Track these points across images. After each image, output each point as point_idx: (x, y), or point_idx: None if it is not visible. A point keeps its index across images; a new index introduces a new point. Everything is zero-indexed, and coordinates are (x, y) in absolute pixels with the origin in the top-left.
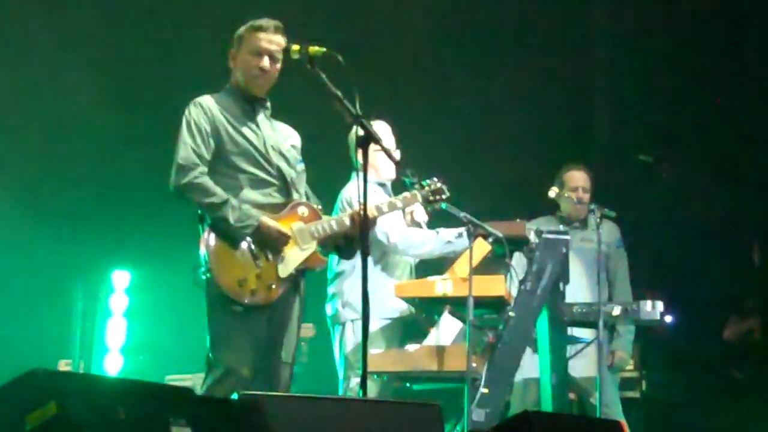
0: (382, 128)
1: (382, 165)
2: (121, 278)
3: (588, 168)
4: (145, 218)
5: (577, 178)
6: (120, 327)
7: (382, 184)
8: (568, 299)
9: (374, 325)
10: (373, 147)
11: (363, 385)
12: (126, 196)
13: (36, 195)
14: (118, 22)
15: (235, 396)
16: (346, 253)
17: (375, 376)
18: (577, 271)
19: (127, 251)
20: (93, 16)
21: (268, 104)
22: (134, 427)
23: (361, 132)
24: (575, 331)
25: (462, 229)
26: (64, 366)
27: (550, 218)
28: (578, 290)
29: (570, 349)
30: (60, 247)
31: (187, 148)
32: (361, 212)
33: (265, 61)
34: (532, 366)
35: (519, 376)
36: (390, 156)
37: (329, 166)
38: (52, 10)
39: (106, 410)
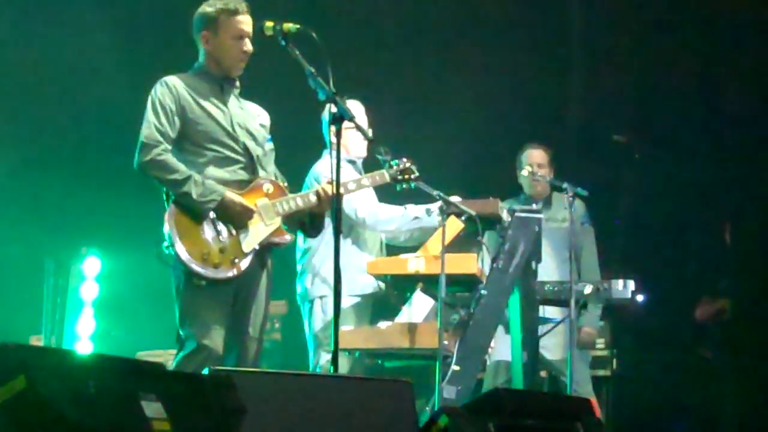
0: (355, 107)
1: (352, 142)
2: (92, 262)
3: (546, 146)
4: (117, 194)
5: (533, 155)
6: (92, 293)
7: (352, 161)
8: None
9: (344, 302)
10: (346, 124)
11: (334, 361)
12: (98, 172)
13: (6, 171)
14: None
15: (205, 371)
16: (310, 231)
17: (346, 353)
18: (544, 251)
19: (98, 229)
20: None
21: (237, 83)
22: (104, 401)
23: (334, 109)
24: (546, 311)
25: (431, 206)
26: (35, 341)
27: (513, 200)
28: (547, 270)
29: (541, 329)
30: (32, 222)
31: (150, 127)
32: (334, 189)
33: (248, 44)
34: (504, 348)
35: (492, 358)
36: (363, 133)
37: (300, 145)
38: None
39: (77, 385)
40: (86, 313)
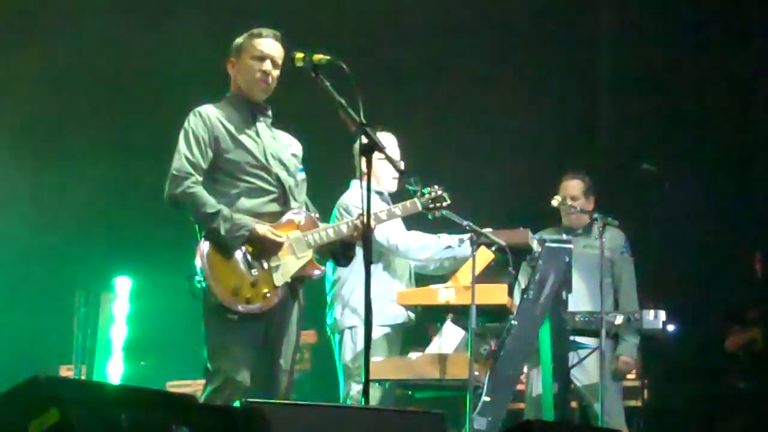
0: (387, 139)
1: (383, 174)
2: (123, 284)
3: (583, 176)
4: (148, 224)
5: (567, 186)
6: (121, 333)
7: (379, 192)
8: (572, 307)
9: (375, 333)
10: (376, 155)
11: (365, 392)
12: (129, 202)
13: (39, 201)
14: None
15: (237, 403)
16: (342, 261)
17: (377, 384)
18: (579, 278)
19: (129, 258)
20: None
21: (270, 113)
22: None
23: (365, 140)
24: (579, 337)
25: (464, 236)
26: (65, 372)
27: (553, 229)
28: (580, 297)
29: (573, 357)
30: (63, 254)
31: (181, 158)
32: (364, 220)
33: (267, 64)
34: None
35: (534, 392)
36: (394, 165)
37: (330, 175)
38: None
39: (109, 418)
40: (115, 354)
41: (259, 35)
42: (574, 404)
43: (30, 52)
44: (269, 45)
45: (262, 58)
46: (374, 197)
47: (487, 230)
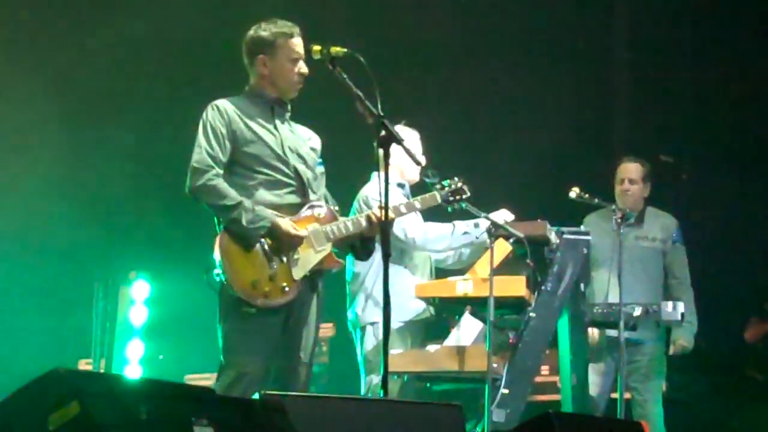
0: (409, 134)
1: (406, 165)
2: (141, 287)
3: (642, 161)
4: (166, 217)
5: (626, 169)
6: (141, 317)
7: (401, 185)
8: (624, 299)
9: (395, 328)
10: (398, 147)
11: (384, 385)
12: (146, 196)
13: (55, 195)
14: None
15: (256, 396)
16: (361, 254)
17: (395, 377)
18: (630, 270)
19: (148, 252)
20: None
21: (288, 106)
22: (157, 427)
23: (382, 132)
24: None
25: (478, 220)
26: (84, 365)
27: (603, 212)
28: (633, 291)
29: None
30: (81, 247)
31: (201, 152)
32: (383, 212)
33: (304, 67)
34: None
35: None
36: (413, 157)
37: (350, 168)
38: None
39: (129, 410)
40: (135, 337)
41: (292, 35)
42: None
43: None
44: (300, 44)
45: (297, 59)
46: (396, 189)
47: (506, 215)
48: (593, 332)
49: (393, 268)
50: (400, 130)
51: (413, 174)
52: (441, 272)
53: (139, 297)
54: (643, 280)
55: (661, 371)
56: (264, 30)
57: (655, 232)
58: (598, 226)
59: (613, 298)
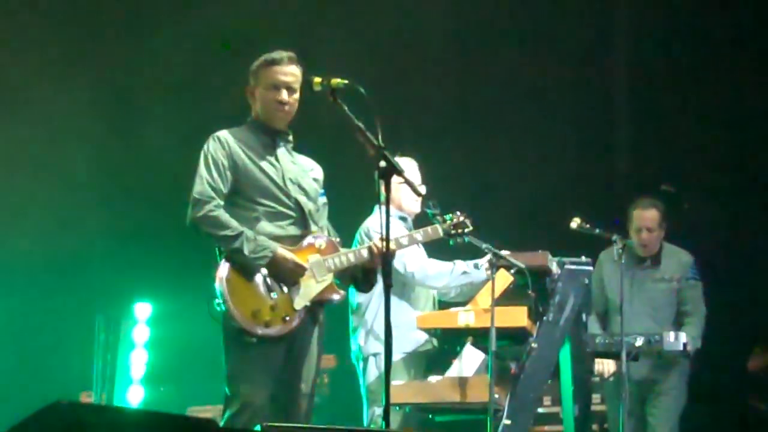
0: (407, 164)
1: (405, 198)
2: (142, 310)
3: (658, 204)
4: (166, 250)
5: (643, 217)
6: (141, 358)
7: (403, 218)
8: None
9: (397, 359)
10: (397, 180)
11: (386, 416)
12: (146, 228)
13: (57, 227)
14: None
15: (257, 428)
16: (363, 286)
17: (397, 408)
18: (650, 313)
19: (148, 283)
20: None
21: (290, 137)
22: None
23: (383, 163)
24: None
25: (479, 261)
26: (86, 398)
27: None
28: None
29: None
30: (82, 280)
31: (202, 182)
32: (384, 244)
33: (283, 94)
34: None
35: None
36: (414, 189)
37: (353, 200)
38: None
39: None
40: (135, 380)
41: (273, 62)
42: (595, 427)
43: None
44: (284, 72)
45: (277, 86)
46: (397, 223)
47: (506, 252)
48: (607, 365)
49: (395, 300)
50: (398, 160)
51: (413, 206)
52: (443, 303)
53: (140, 338)
54: (661, 322)
55: (681, 402)
56: (256, 61)
57: (672, 271)
58: (611, 266)
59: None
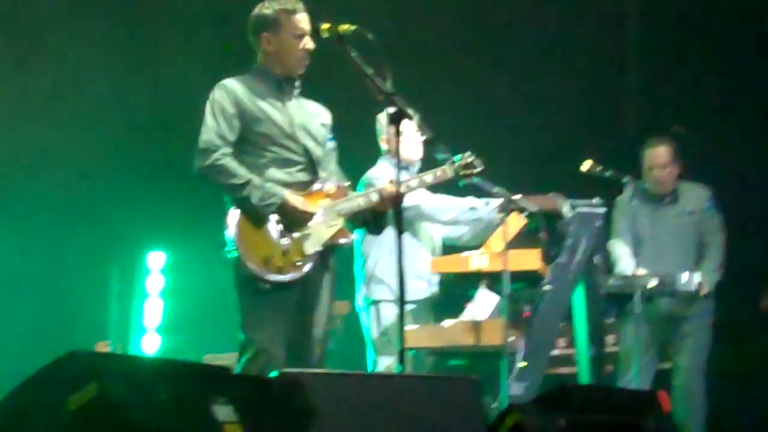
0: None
1: (405, 147)
2: (156, 259)
3: (668, 141)
4: (179, 198)
5: (654, 155)
6: (157, 307)
7: (405, 167)
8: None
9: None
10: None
11: (401, 360)
12: (159, 176)
13: (70, 178)
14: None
15: (274, 374)
16: (374, 229)
17: (410, 352)
18: (674, 248)
19: (162, 232)
20: None
21: (297, 83)
22: (175, 406)
23: (392, 109)
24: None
25: (491, 200)
26: (102, 347)
27: (633, 191)
28: (679, 266)
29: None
30: (95, 230)
31: (208, 131)
32: (396, 190)
33: (309, 42)
34: None
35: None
36: (423, 131)
37: (360, 144)
38: None
39: (147, 390)
40: (153, 304)
41: (295, 11)
42: (610, 367)
43: None
44: (305, 20)
45: (302, 35)
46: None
47: (518, 196)
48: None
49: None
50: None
51: (412, 153)
52: (457, 249)
53: (154, 288)
54: (686, 256)
55: (707, 343)
56: (267, 8)
57: (693, 204)
58: (632, 208)
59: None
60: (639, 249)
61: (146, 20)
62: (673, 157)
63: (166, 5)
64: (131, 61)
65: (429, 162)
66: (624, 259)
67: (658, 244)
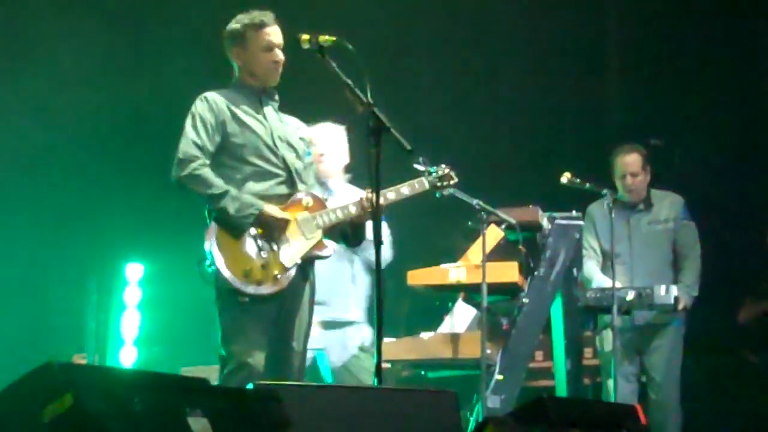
0: (336, 132)
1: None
2: (134, 271)
3: (639, 149)
4: (158, 210)
5: (625, 163)
6: (134, 319)
7: (322, 183)
8: (640, 284)
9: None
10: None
11: (378, 373)
12: (138, 188)
13: (49, 189)
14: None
15: (250, 386)
16: (353, 242)
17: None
18: (649, 254)
19: (140, 243)
20: None
21: (277, 97)
22: (150, 417)
23: (372, 121)
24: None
25: None
26: (79, 359)
27: (603, 201)
28: (651, 274)
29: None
30: (73, 241)
31: (188, 141)
32: (374, 200)
33: (278, 54)
34: None
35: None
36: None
37: None
38: None
39: (122, 401)
40: (130, 316)
41: (262, 24)
42: (587, 380)
43: None
44: (275, 32)
45: (271, 48)
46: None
47: (497, 209)
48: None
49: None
50: (329, 128)
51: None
52: (433, 261)
53: (133, 278)
54: (661, 264)
55: (679, 354)
56: (236, 23)
57: (666, 212)
58: (604, 218)
59: (637, 282)
60: (614, 258)
61: (123, 39)
62: (644, 164)
63: (154, 16)
64: (110, 71)
65: (406, 173)
66: (596, 274)
67: (633, 252)
